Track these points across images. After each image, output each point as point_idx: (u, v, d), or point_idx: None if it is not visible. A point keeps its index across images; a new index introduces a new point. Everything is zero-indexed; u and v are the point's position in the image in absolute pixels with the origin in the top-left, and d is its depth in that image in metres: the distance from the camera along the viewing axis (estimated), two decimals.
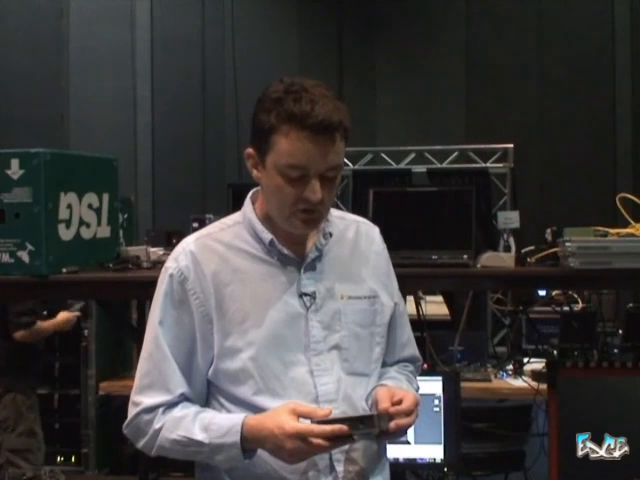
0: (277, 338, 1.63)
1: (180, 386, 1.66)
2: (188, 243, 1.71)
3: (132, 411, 1.68)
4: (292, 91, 1.56)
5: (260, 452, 1.60)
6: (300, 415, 1.54)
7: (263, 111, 1.59)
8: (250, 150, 1.65)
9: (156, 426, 1.65)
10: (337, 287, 1.69)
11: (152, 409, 1.66)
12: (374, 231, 1.83)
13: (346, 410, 1.65)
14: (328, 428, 1.51)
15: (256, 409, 1.61)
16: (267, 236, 1.67)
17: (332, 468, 1.63)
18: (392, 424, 1.57)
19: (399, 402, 1.60)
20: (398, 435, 1.62)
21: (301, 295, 1.66)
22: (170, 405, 1.66)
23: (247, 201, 1.73)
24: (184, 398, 1.67)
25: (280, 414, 1.55)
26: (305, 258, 1.68)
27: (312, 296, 1.66)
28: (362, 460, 1.67)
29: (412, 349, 1.88)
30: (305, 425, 1.52)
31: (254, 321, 1.63)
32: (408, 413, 1.60)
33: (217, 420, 1.61)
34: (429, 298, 4.52)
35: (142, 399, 1.67)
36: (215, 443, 1.59)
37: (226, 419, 1.61)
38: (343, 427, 1.52)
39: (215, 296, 1.64)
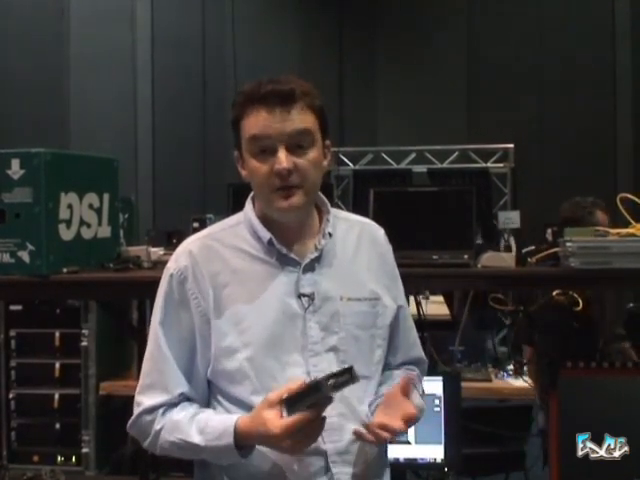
0: (274, 338, 1.63)
1: (179, 386, 1.67)
2: (188, 243, 1.72)
3: (135, 411, 1.70)
4: (253, 82, 1.63)
5: (256, 451, 1.60)
6: (277, 402, 1.52)
7: (232, 108, 1.65)
8: (235, 152, 1.69)
9: (156, 427, 1.66)
10: (337, 288, 1.69)
11: (152, 410, 1.67)
12: (379, 233, 1.82)
13: (344, 412, 1.65)
14: (313, 413, 1.50)
15: (254, 409, 1.60)
16: (266, 235, 1.67)
17: (327, 469, 1.63)
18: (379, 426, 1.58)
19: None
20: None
21: (299, 296, 1.66)
22: (170, 405, 1.67)
23: (248, 201, 1.75)
24: (184, 398, 1.68)
25: (261, 416, 1.53)
26: (304, 258, 1.68)
27: (310, 297, 1.66)
28: (359, 462, 1.66)
29: (417, 351, 1.88)
30: (291, 420, 1.50)
31: (251, 321, 1.63)
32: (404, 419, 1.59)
33: (212, 423, 1.61)
34: (429, 298, 4.52)
35: (143, 399, 1.69)
36: (211, 446, 1.59)
37: (220, 421, 1.61)
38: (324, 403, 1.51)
39: (213, 296, 1.65)
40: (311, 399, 1.50)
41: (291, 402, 1.51)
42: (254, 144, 1.61)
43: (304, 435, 1.51)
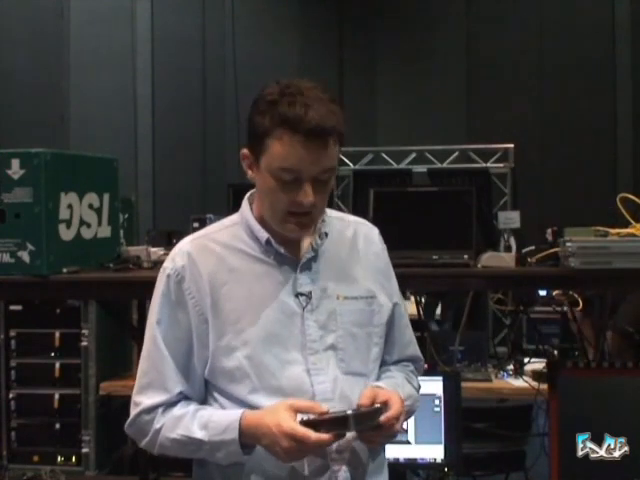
0: (273, 337, 1.64)
1: (178, 385, 1.68)
2: (185, 243, 1.72)
3: (133, 411, 1.70)
4: (287, 94, 1.57)
5: (255, 451, 1.61)
6: (298, 410, 1.55)
7: (258, 113, 1.60)
8: (245, 151, 1.66)
9: (156, 426, 1.66)
10: (333, 287, 1.70)
11: (151, 409, 1.67)
12: (373, 232, 1.83)
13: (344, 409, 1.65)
14: (325, 437, 1.52)
15: (252, 408, 1.62)
16: (263, 235, 1.68)
17: (327, 467, 1.63)
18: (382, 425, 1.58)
19: (384, 403, 1.60)
20: (390, 437, 1.64)
21: (297, 295, 1.67)
22: (169, 404, 1.67)
23: (245, 202, 1.75)
24: (183, 397, 1.69)
25: (278, 411, 1.56)
26: (301, 258, 1.69)
27: (308, 296, 1.67)
28: (358, 460, 1.67)
29: (413, 349, 1.88)
30: (303, 430, 1.52)
31: (249, 320, 1.64)
32: (397, 416, 1.60)
33: (215, 417, 1.62)
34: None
35: (142, 399, 1.69)
36: (214, 440, 1.60)
37: (224, 416, 1.62)
38: (340, 433, 1.54)
39: (211, 296, 1.65)
40: (332, 429, 1.53)
41: (312, 423, 1.54)
42: (282, 172, 1.58)
43: (307, 449, 1.53)
